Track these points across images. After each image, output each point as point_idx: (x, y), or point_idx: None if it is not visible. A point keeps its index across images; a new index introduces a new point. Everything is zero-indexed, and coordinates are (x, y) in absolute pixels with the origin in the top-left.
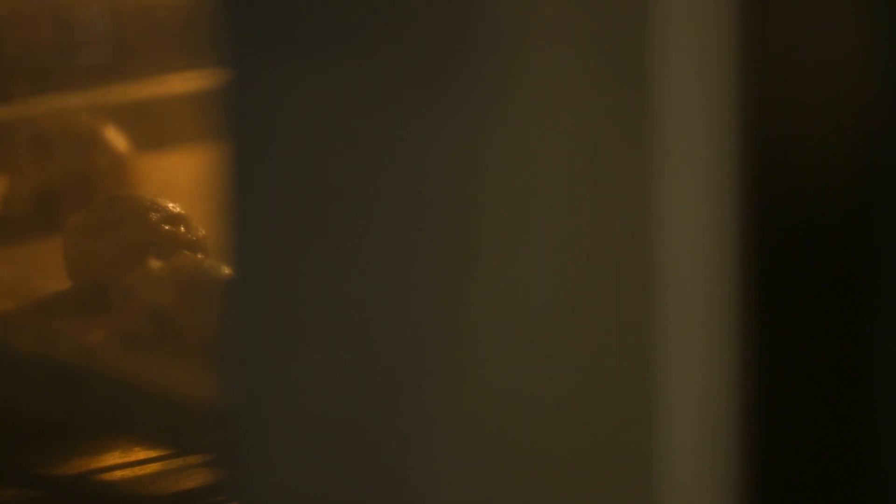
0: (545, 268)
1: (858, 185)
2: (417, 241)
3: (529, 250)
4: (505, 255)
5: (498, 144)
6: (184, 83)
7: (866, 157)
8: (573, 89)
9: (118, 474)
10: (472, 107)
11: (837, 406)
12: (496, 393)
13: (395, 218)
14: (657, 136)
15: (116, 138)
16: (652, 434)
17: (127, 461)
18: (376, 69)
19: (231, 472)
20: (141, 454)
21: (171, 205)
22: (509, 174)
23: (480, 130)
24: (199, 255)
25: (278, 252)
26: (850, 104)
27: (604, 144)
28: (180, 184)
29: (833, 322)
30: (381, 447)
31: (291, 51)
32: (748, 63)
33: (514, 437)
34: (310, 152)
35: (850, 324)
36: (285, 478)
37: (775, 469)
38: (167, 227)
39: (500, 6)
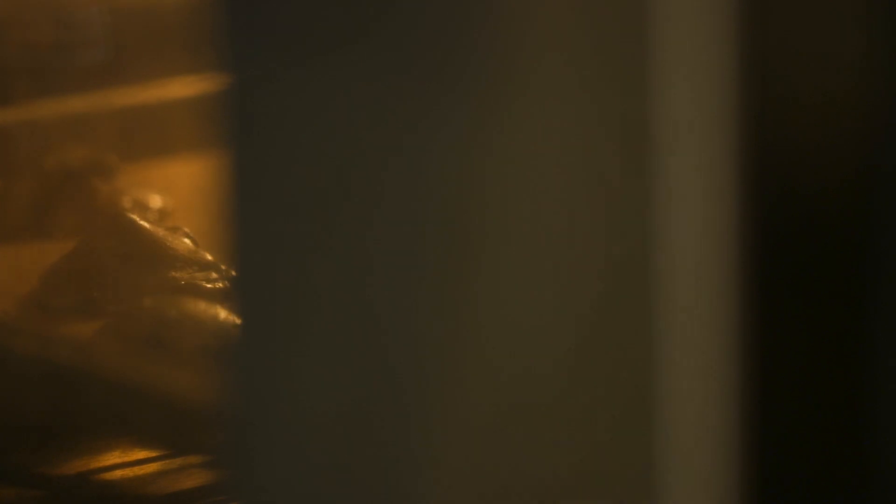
0: (545, 270)
1: (858, 185)
2: (419, 245)
3: (530, 253)
4: (506, 258)
5: (499, 147)
6: (184, 85)
7: (866, 156)
8: (573, 90)
9: (118, 474)
10: (474, 111)
11: (837, 406)
12: (499, 395)
13: (397, 222)
14: (657, 136)
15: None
16: (652, 436)
17: (127, 461)
18: (377, 74)
19: (231, 472)
20: (141, 454)
21: (175, 225)
22: (510, 176)
23: (482, 134)
24: (200, 272)
25: (279, 254)
26: (850, 104)
27: (603, 145)
28: (181, 187)
29: (833, 322)
30: (380, 449)
31: (292, 54)
32: (748, 63)
33: (518, 439)
34: (311, 155)
35: (850, 324)
36: (285, 478)
37: (775, 469)
38: (169, 246)
39: (501, 11)
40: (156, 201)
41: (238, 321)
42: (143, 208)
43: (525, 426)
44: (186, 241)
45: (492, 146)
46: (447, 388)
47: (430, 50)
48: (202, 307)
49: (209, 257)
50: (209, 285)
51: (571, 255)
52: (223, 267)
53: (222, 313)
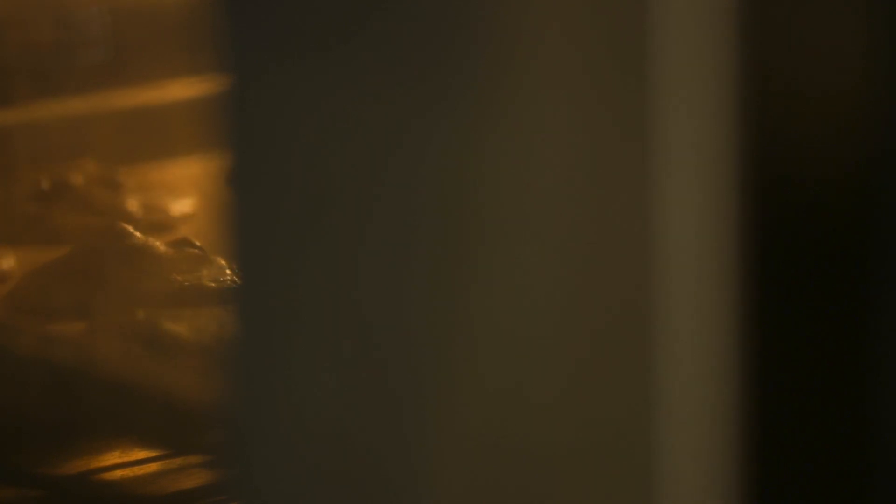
0: (544, 267)
1: (859, 180)
2: (418, 244)
3: (528, 249)
4: (504, 255)
5: (497, 144)
6: (185, 86)
7: (867, 151)
8: (572, 85)
9: (118, 474)
10: (471, 108)
11: (837, 406)
12: (496, 394)
13: (396, 220)
14: (657, 130)
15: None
16: (651, 433)
17: (127, 461)
18: (377, 70)
19: (231, 472)
20: (141, 454)
21: (175, 226)
22: (508, 172)
23: (479, 131)
24: (200, 273)
25: (279, 254)
26: (851, 98)
27: (603, 140)
28: (181, 188)
29: (833, 318)
30: (380, 448)
31: (292, 54)
32: (748, 56)
33: (515, 438)
34: (310, 155)
35: (850, 320)
36: (285, 478)
37: (775, 469)
38: (169, 247)
39: (500, 5)
40: (156, 202)
41: (238, 322)
42: (143, 210)
43: (523, 428)
44: (187, 242)
45: (489, 144)
46: (445, 388)
47: (429, 45)
48: (202, 308)
49: (209, 258)
50: (209, 286)
51: (568, 251)
52: (223, 268)
53: (222, 314)
